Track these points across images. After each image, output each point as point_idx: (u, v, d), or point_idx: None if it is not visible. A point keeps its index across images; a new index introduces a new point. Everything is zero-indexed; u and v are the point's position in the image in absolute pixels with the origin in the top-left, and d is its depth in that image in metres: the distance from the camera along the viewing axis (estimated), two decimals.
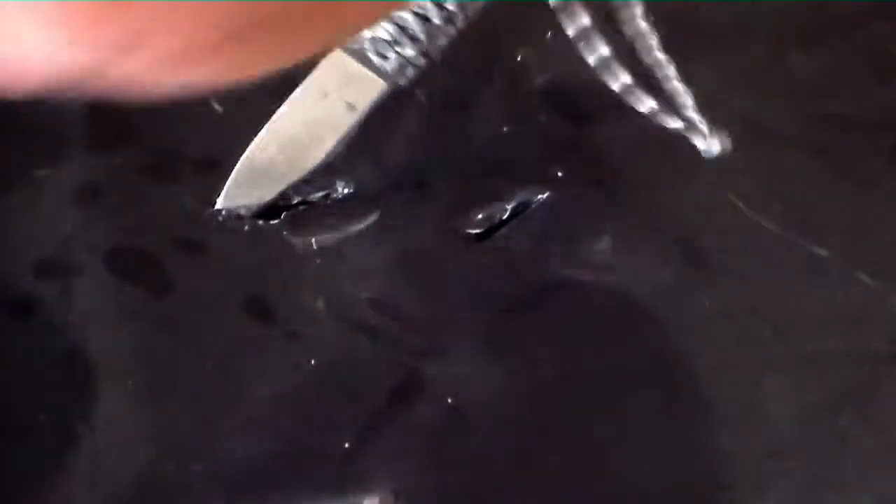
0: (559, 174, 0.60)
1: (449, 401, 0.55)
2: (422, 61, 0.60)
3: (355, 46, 0.59)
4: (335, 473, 0.54)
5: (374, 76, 0.60)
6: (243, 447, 0.55)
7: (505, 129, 0.62)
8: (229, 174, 0.61)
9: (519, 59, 0.63)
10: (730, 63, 0.60)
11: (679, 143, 0.61)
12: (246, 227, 0.60)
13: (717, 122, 0.60)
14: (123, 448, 0.55)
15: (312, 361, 0.57)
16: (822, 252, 0.58)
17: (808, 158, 0.60)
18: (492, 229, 0.59)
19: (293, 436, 0.55)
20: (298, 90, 0.61)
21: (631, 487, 0.53)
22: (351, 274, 0.59)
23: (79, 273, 0.59)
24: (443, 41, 0.60)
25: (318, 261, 0.59)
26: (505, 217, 0.59)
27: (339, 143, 0.60)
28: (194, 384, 0.57)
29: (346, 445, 0.54)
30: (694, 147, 0.60)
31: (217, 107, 0.65)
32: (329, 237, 0.60)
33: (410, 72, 0.60)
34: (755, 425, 0.54)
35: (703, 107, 0.60)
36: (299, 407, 0.56)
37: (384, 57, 0.59)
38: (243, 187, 0.60)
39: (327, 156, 0.60)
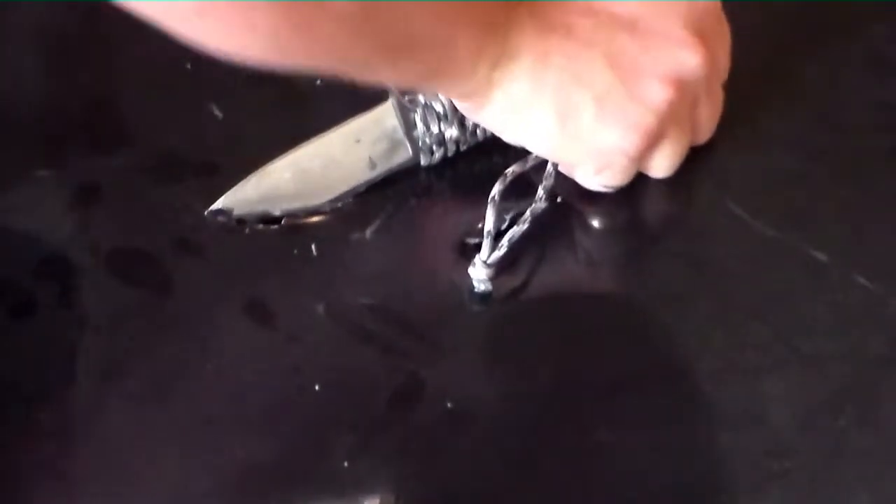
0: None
1: (448, 405, 0.55)
2: (453, 148, 0.61)
3: (410, 105, 0.60)
4: (335, 474, 0.53)
5: (408, 144, 0.61)
6: (243, 447, 0.54)
7: None
8: (228, 178, 0.61)
9: None
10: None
11: None
12: (247, 231, 0.60)
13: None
14: (124, 448, 0.55)
15: (313, 365, 0.57)
16: (821, 256, 0.58)
17: (807, 161, 0.61)
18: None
19: (293, 437, 0.55)
20: (338, 128, 0.62)
21: (631, 488, 0.53)
22: (351, 279, 0.59)
23: (79, 273, 0.59)
24: (476, 139, 0.61)
25: (318, 266, 0.59)
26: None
27: (348, 194, 0.61)
28: (194, 384, 0.56)
29: (347, 447, 0.54)
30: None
31: (217, 112, 0.65)
32: (328, 242, 0.60)
33: (439, 155, 0.61)
34: (755, 425, 0.54)
35: None
36: (300, 409, 0.55)
37: (427, 128, 0.60)
38: (245, 198, 0.61)
39: (331, 202, 0.61)
